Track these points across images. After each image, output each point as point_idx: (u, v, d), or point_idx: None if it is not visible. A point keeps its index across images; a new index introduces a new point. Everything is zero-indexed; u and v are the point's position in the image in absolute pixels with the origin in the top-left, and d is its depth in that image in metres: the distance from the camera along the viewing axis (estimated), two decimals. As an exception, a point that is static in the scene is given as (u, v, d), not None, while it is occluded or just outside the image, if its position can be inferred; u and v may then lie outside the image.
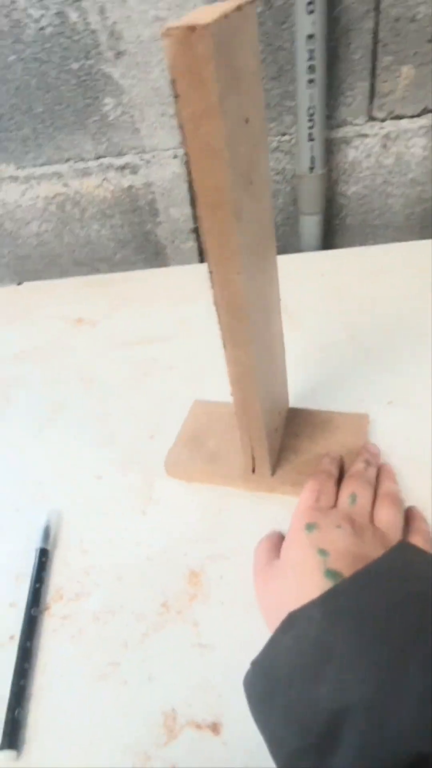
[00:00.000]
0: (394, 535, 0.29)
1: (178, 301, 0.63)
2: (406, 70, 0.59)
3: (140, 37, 0.59)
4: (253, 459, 0.37)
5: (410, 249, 0.65)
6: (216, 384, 0.47)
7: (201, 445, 0.41)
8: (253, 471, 0.37)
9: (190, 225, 0.73)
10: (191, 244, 0.75)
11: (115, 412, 0.48)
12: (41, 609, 0.33)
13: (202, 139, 0.22)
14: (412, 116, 0.62)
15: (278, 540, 0.32)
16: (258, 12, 0.56)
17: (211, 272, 0.29)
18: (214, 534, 0.36)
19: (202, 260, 0.77)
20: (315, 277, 0.62)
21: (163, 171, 0.68)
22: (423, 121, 0.62)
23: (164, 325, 0.59)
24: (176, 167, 0.68)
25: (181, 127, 0.23)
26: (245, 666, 0.25)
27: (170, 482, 0.40)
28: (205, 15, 0.21)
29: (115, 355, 0.56)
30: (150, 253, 0.77)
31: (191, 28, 0.20)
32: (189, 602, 0.32)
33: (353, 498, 0.32)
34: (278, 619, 0.24)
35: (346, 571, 0.26)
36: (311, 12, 0.52)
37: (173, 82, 0.22)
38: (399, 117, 0.62)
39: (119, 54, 0.60)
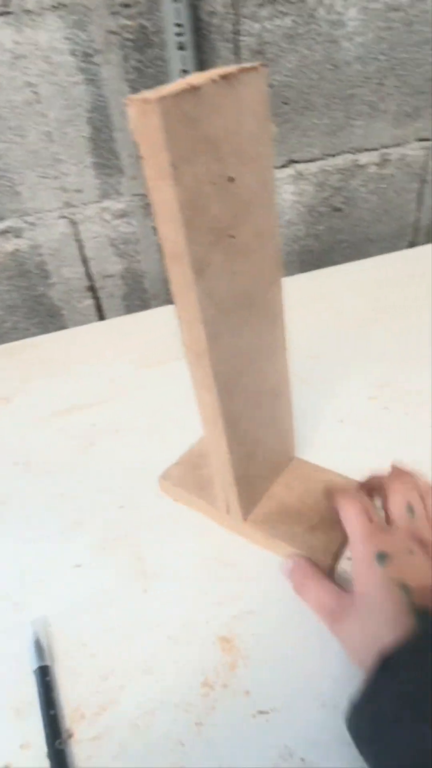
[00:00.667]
0: None
1: (96, 362, 0.60)
2: (269, 129, 0.66)
3: (12, 102, 0.57)
4: (227, 500, 0.36)
5: (295, 282, 0.72)
6: (172, 438, 0.46)
7: (196, 470, 0.41)
8: (228, 512, 0.37)
9: (85, 283, 0.71)
10: (88, 302, 0.73)
11: (69, 491, 0.44)
12: (64, 739, 0.28)
13: (160, 198, 0.24)
14: (280, 167, 0.69)
15: (313, 569, 0.32)
16: (131, 79, 0.59)
17: (178, 317, 0.29)
18: (229, 590, 0.34)
19: (102, 316, 0.75)
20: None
21: (50, 232, 0.66)
22: (289, 170, 0.70)
23: (91, 389, 0.56)
24: (63, 227, 0.66)
25: (146, 187, 0.24)
26: (315, 720, 0.24)
27: (162, 548, 0.38)
28: (173, 87, 0.22)
29: (46, 429, 0.51)
30: (44, 316, 0.72)
31: (145, 101, 0.21)
32: (231, 671, 0.30)
33: (410, 509, 0.30)
34: (366, 658, 0.24)
35: None
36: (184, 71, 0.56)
37: (137, 145, 0.23)
38: (268, 168, 0.69)
39: (-10, 118, 0.57)
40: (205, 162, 0.24)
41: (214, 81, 0.23)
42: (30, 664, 0.32)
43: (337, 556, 0.35)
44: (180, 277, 0.26)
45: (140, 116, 0.22)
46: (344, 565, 0.35)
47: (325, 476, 0.40)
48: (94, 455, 0.47)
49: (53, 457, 0.47)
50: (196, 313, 0.27)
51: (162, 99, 0.21)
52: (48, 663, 0.31)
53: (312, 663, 0.30)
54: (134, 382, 0.56)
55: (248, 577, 0.35)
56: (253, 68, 0.25)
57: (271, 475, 0.39)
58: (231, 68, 0.25)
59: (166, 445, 0.46)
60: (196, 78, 0.23)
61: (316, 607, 0.31)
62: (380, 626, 0.26)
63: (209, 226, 0.26)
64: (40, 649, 0.32)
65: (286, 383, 0.37)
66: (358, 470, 0.41)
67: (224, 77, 0.24)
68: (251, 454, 0.36)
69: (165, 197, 0.24)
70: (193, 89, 0.22)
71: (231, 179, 0.26)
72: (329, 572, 0.34)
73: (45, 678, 0.30)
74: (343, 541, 0.35)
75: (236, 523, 0.37)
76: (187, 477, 0.41)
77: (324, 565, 0.33)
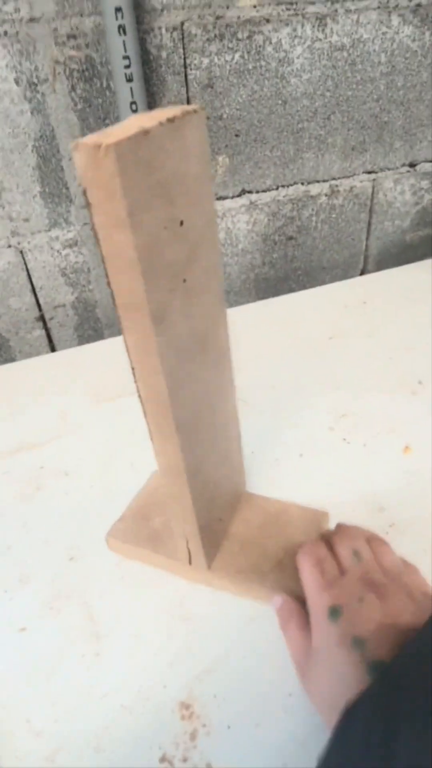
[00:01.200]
0: (408, 578, 0.29)
1: (46, 396, 0.57)
2: (222, 159, 0.66)
3: None
4: (189, 551, 0.34)
5: (252, 309, 0.72)
6: (125, 479, 0.44)
7: (146, 522, 0.38)
8: (190, 562, 0.35)
9: (35, 313, 0.68)
10: (38, 333, 0.70)
11: (14, 542, 0.40)
12: None
13: (114, 247, 0.23)
14: (233, 197, 0.69)
15: (298, 611, 0.30)
16: (79, 109, 0.58)
17: (132, 368, 0.27)
18: (189, 648, 0.32)
19: (53, 348, 0.72)
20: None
21: (-4, 261, 0.63)
22: (243, 200, 0.70)
23: (40, 425, 0.53)
24: (11, 256, 0.64)
25: (94, 234, 0.22)
26: None
27: (115, 605, 0.35)
28: (121, 130, 0.21)
29: (-10, 473, 0.47)
30: (-9, 348, 0.69)
31: (97, 146, 0.20)
32: (192, 742, 0.28)
33: (357, 554, 0.30)
34: (330, 710, 0.23)
35: (388, 654, 0.25)
36: (134, 111, 0.56)
37: (84, 191, 0.21)
38: (222, 198, 0.69)
39: None
40: (159, 207, 0.23)
41: (161, 124, 0.22)
42: (-35, 752, 0.28)
43: None
44: (137, 327, 0.25)
45: (91, 162, 0.20)
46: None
47: (279, 506, 0.39)
48: (42, 501, 0.44)
49: (-3, 505, 0.44)
50: (155, 364, 0.26)
51: (117, 144, 0.20)
52: (-14, 749, 0.28)
53: (277, 727, 0.28)
54: (86, 418, 0.53)
55: (208, 631, 0.33)
56: (194, 111, 0.24)
57: (228, 515, 0.38)
58: (173, 110, 0.24)
59: (118, 487, 0.44)
60: (141, 121, 0.22)
61: (290, 654, 0.30)
62: (340, 683, 0.25)
63: (165, 272, 0.25)
64: (-24, 732, 0.28)
65: (236, 419, 0.37)
66: (320, 505, 0.40)
67: (170, 120, 0.23)
68: (211, 499, 0.34)
69: (120, 247, 0.22)
70: (144, 132, 0.21)
71: (181, 222, 0.25)
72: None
73: (-19, 768, 0.27)
74: None
75: (200, 573, 0.35)
76: (137, 531, 0.38)
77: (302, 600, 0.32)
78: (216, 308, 0.30)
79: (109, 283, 0.24)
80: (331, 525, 0.37)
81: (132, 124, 0.22)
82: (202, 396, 0.30)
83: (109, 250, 0.23)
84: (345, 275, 0.83)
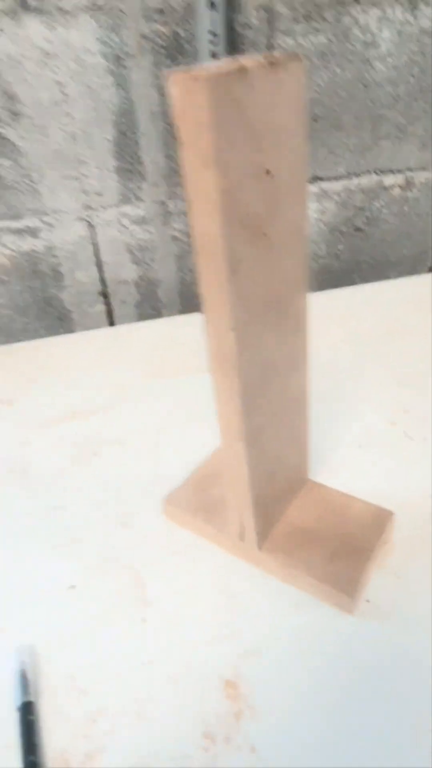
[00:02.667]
0: None
1: (103, 368, 0.58)
2: (296, 144, 0.65)
3: (39, 101, 0.56)
4: (242, 525, 0.33)
5: (313, 300, 0.70)
6: (179, 453, 0.44)
7: (204, 493, 0.38)
8: (241, 538, 0.34)
9: (98, 287, 0.69)
10: (100, 308, 0.71)
11: (67, 503, 0.41)
12: (45, 790, 0.25)
13: (198, 187, 0.22)
14: (332, 179, 0.68)
15: None
16: (161, 85, 0.58)
17: (205, 321, 0.27)
18: (235, 627, 0.31)
19: (112, 323, 0.73)
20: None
21: (66, 234, 0.64)
22: (314, 188, 0.68)
23: (96, 396, 0.53)
24: (81, 230, 0.65)
25: (183, 173, 0.22)
26: None
27: (164, 574, 0.35)
28: (219, 67, 0.21)
29: (46, 436, 0.48)
30: (53, 318, 0.70)
31: (194, 77, 0.20)
32: (236, 722, 0.27)
33: None
34: None
35: None
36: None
37: (177, 128, 0.21)
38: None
39: (15, 115, 0.56)
40: (247, 151, 0.22)
41: (260, 65, 0.21)
42: (12, 699, 0.28)
43: (361, 584, 0.31)
44: (212, 275, 0.24)
45: (185, 95, 0.20)
46: (370, 594, 0.32)
47: (342, 499, 0.37)
48: (96, 467, 0.44)
49: (52, 466, 0.45)
50: (227, 316, 0.25)
51: (211, 78, 0.19)
52: (32, 699, 0.28)
53: (327, 718, 0.27)
54: (142, 391, 0.53)
55: (258, 612, 0.32)
56: (296, 58, 0.24)
57: (286, 498, 0.36)
58: (275, 55, 0.23)
59: (172, 460, 0.44)
60: (242, 60, 0.22)
61: None
62: None
63: (245, 222, 0.24)
64: (24, 681, 0.29)
65: (306, 398, 0.35)
66: (377, 498, 0.38)
67: (271, 62, 0.22)
68: (270, 474, 0.33)
69: (204, 186, 0.22)
70: (242, 70, 0.21)
71: (268, 172, 0.24)
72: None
73: (28, 717, 0.27)
74: (367, 567, 0.32)
75: (250, 551, 0.34)
76: (194, 501, 0.38)
77: (348, 597, 0.30)
78: (296, 273, 0.29)
79: (191, 229, 0.24)
80: (396, 525, 0.36)
81: (232, 62, 0.21)
82: (272, 362, 0.29)
83: (194, 191, 0.22)
84: (412, 271, 0.79)
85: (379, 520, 0.35)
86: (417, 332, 0.60)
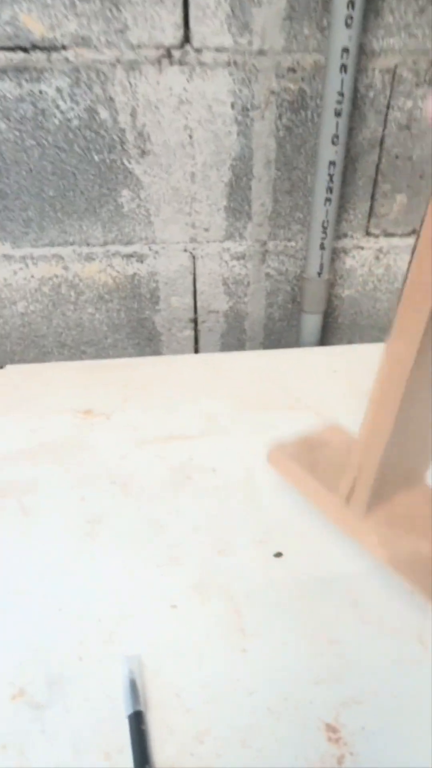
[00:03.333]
0: None
1: (193, 394, 0.60)
2: (400, 198, 0.67)
3: (167, 142, 0.60)
4: (354, 484, 0.33)
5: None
6: (272, 487, 0.45)
7: (313, 452, 0.38)
8: (348, 500, 0.33)
9: (190, 314, 0.73)
10: (188, 333, 0.75)
11: (168, 522, 0.43)
12: (157, 801, 0.27)
13: None
14: (402, 235, 0.70)
15: None
16: (280, 136, 0.61)
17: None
18: (335, 671, 0.32)
19: (197, 349, 0.76)
20: (327, 372, 0.64)
21: (170, 262, 0.68)
22: (411, 240, 0.70)
23: (189, 421, 0.56)
24: (184, 260, 0.68)
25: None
26: None
27: (261, 608, 0.36)
28: None
29: (145, 453, 0.51)
30: (143, 338, 0.74)
31: None
32: (339, 766, 0.28)
33: None
34: None
35: None
36: (335, 143, 0.58)
37: None
38: (391, 235, 0.69)
39: (144, 153, 0.61)
40: None
41: None
42: (123, 706, 0.30)
43: None
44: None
45: None
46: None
47: None
48: (191, 490, 0.46)
49: (151, 483, 0.47)
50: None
51: None
52: (142, 708, 0.30)
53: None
54: (232, 422, 0.55)
55: (357, 659, 0.33)
56: None
57: (404, 483, 0.36)
58: None
59: (261, 494, 0.45)
60: None
61: None
62: None
63: None
64: (135, 691, 0.31)
65: None
66: None
67: None
68: (404, 446, 0.32)
69: None
70: None
71: None
72: None
73: (140, 726, 0.29)
74: None
75: (354, 516, 0.33)
76: (301, 454, 0.37)
77: None
78: None
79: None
80: None
81: None
82: None
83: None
84: None
85: None
86: None
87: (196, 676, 0.32)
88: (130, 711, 0.30)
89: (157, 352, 0.75)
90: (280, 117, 0.60)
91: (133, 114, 0.59)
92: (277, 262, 0.70)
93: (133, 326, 0.73)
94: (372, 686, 0.31)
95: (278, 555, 0.40)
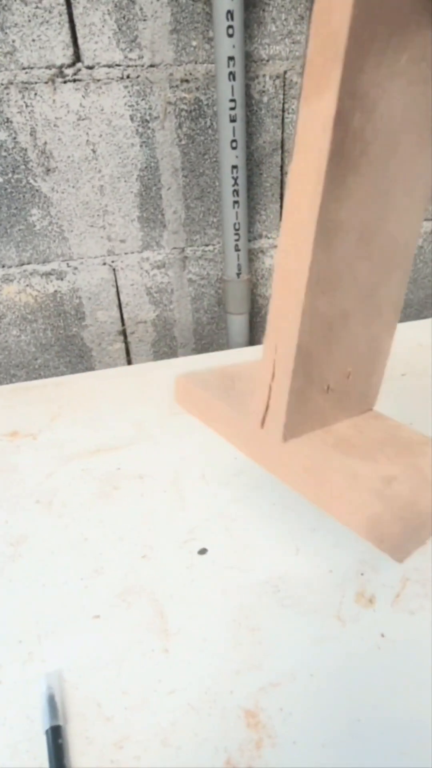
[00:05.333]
0: None
1: (124, 405, 0.60)
2: None
3: (71, 158, 0.61)
4: (268, 402, 0.27)
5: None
6: (198, 488, 0.45)
7: (221, 380, 0.32)
8: (263, 424, 0.27)
9: (118, 327, 0.73)
10: (119, 345, 0.75)
11: (91, 535, 0.43)
12: None
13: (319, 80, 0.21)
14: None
15: None
16: (183, 144, 0.63)
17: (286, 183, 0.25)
18: (255, 659, 0.32)
19: (129, 360, 0.76)
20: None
21: (90, 276, 0.69)
22: None
23: (117, 432, 0.55)
24: (104, 273, 0.69)
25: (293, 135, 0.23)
26: None
27: (184, 606, 0.36)
28: None
29: (70, 469, 0.50)
30: (74, 356, 0.74)
31: None
32: (257, 750, 0.28)
33: None
34: None
35: None
36: (234, 148, 0.60)
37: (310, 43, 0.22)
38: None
39: (49, 170, 0.61)
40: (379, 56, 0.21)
41: None
42: (41, 722, 0.29)
43: (428, 525, 0.25)
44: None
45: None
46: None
47: (415, 436, 0.30)
48: (118, 500, 0.46)
49: (76, 499, 0.46)
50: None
51: None
52: (60, 723, 0.29)
53: (344, 751, 0.28)
54: (161, 428, 0.55)
55: (276, 645, 0.33)
56: None
57: (335, 410, 0.29)
58: None
59: (190, 497, 0.45)
60: None
61: None
62: None
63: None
64: (53, 706, 0.30)
65: (394, 321, 0.28)
66: None
67: None
68: (326, 354, 0.26)
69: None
70: None
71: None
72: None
73: (57, 740, 0.28)
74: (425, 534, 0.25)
75: (270, 443, 0.27)
76: (210, 380, 0.31)
77: (411, 531, 0.24)
78: (413, 214, 0.26)
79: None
80: None
81: None
82: (380, 195, 0.25)
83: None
84: (418, 315, 0.82)
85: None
86: (424, 375, 0.62)
87: (117, 684, 0.32)
88: (47, 726, 0.29)
89: (90, 368, 0.75)
90: (180, 126, 0.62)
91: (33, 133, 0.59)
92: (198, 267, 0.71)
93: (61, 344, 0.72)
94: (290, 668, 0.32)
95: (202, 552, 0.40)
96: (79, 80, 0.57)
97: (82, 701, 0.31)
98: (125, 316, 0.72)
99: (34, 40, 0.54)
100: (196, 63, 0.59)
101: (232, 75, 0.56)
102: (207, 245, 0.69)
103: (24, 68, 0.55)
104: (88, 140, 0.60)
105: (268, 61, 0.61)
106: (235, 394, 0.29)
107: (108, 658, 0.33)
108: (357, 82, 0.22)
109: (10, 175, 0.60)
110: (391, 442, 0.28)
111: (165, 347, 0.76)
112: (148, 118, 0.61)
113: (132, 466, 0.50)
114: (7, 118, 0.57)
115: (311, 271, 0.23)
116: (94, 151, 0.61)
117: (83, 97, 0.58)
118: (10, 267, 0.65)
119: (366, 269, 0.26)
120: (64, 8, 0.53)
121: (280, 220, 0.70)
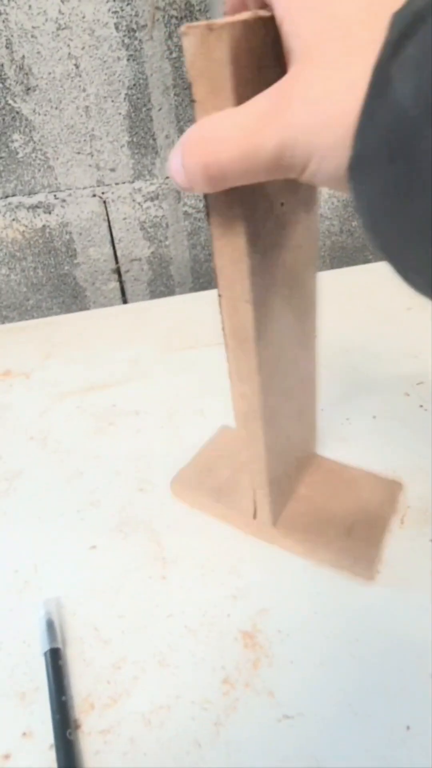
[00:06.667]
0: None
1: (118, 344, 0.58)
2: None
3: (52, 74, 0.56)
4: (255, 504, 0.34)
5: (325, 278, 0.70)
6: (193, 424, 0.44)
7: (213, 474, 0.38)
8: (254, 516, 0.34)
9: (112, 265, 0.70)
10: (113, 285, 0.72)
11: (87, 469, 0.42)
12: (74, 729, 0.26)
13: None
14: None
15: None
16: (174, 57, 0.57)
17: (219, 296, 0.27)
18: (254, 584, 0.32)
19: (125, 300, 0.73)
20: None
21: (80, 210, 0.65)
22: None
23: (112, 369, 0.54)
24: (94, 206, 0.65)
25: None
26: (343, 728, 0.21)
27: (182, 536, 0.36)
28: (238, 19, 0.20)
29: (65, 406, 0.49)
30: (67, 296, 0.71)
31: (209, 27, 0.18)
32: (254, 669, 0.28)
33: None
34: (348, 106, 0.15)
35: None
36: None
37: (191, 85, 0.20)
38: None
39: (29, 89, 0.56)
40: None
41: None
42: (40, 646, 0.30)
43: (379, 557, 0.32)
44: (229, 249, 0.24)
45: (201, 48, 0.19)
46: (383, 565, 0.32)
47: (353, 473, 0.37)
48: (114, 436, 0.45)
49: (71, 435, 0.46)
50: (245, 291, 0.25)
51: (232, 27, 0.18)
52: (59, 646, 0.29)
53: (341, 668, 0.28)
54: (156, 365, 0.54)
55: (275, 570, 0.33)
56: None
57: (297, 475, 0.36)
58: None
59: (187, 432, 0.44)
60: (261, 12, 0.20)
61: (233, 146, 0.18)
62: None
63: (264, 189, 0.24)
64: (52, 630, 0.30)
65: (315, 373, 0.35)
66: (392, 468, 0.39)
67: None
68: (283, 452, 0.33)
69: None
70: (260, 20, 0.19)
71: None
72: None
73: (56, 661, 0.28)
74: (384, 541, 0.32)
75: (264, 528, 0.34)
76: (201, 480, 0.37)
77: (367, 569, 0.31)
78: (310, 246, 0.29)
79: (206, 198, 0.23)
80: (406, 496, 0.36)
81: (252, 14, 0.20)
82: (286, 339, 0.29)
83: None
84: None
85: (391, 492, 0.35)
86: (430, 309, 0.60)
87: (115, 610, 0.32)
88: (46, 649, 0.29)
89: (84, 309, 0.73)
90: (170, 36, 0.56)
91: (9, 45, 0.53)
92: (194, 199, 0.67)
93: (53, 284, 0.70)
94: (289, 591, 0.31)
95: (200, 484, 0.39)
96: (57, -19, 0.51)
97: (80, 626, 0.31)
98: (119, 253, 0.69)
99: None
100: (186, -42, 0.53)
101: (226, -30, 0.50)
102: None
103: (-6, -33, 0.50)
104: (69, 53, 0.55)
105: None
106: (224, 490, 0.36)
107: (105, 585, 0.33)
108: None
109: (-13, 94, 0.55)
110: (339, 488, 0.36)
111: (162, 286, 0.73)
112: (134, 26, 0.55)
113: (127, 402, 0.49)
114: (-20, 28, 0.52)
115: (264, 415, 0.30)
116: (77, 66, 0.56)
117: (62, 2, 0.52)
118: (-6, 200, 0.62)
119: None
120: None
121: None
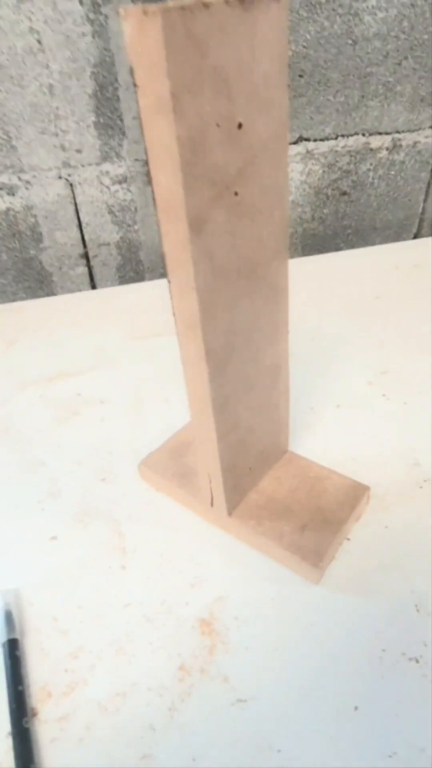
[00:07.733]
0: None
1: (85, 330, 0.58)
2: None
3: (13, 49, 0.54)
4: (211, 492, 0.34)
5: (296, 265, 0.70)
6: (159, 414, 0.44)
7: (179, 458, 0.38)
8: (212, 504, 0.34)
9: (79, 250, 0.68)
10: (81, 270, 0.70)
11: (49, 459, 0.42)
12: (30, 718, 0.26)
13: (156, 137, 0.21)
14: (290, 143, 0.67)
15: None
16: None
17: (168, 282, 0.26)
18: (211, 572, 0.33)
19: (94, 286, 0.72)
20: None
21: (45, 192, 0.63)
22: (299, 148, 0.67)
23: (78, 357, 0.53)
24: (60, 188, 0.63)
25: (139, 120, 0.21)
26: (294, 711, 0.22)
27: (142, 526, 0.36)
28: (178, 2, 0.19)
29: (28, 395, 0.48)
30: (33, 281, 0.69)
31: (145, 12, 0.18)
32: (210, 656, 0.29)
33: None
34: None
35: None
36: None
37: (132, 69, 0.20)
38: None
39: (-12, 63, 0.54)
40: (211, 97, 0.21)
41: (227, 1, 0.20)
42: (-4, 638, 0.29)
43: (328, 556, 0.32)
44: (174, 234, 0.24)
45: (138, 32, 0.18)
46: (336, 569, 0.33)
47: (319, 472, 0.37)
48: (77, 425, 0.45)
49: (34, 425, 0.45)
50: (189, 277, 0.24)
51: (167, 12, 0.18)
52: (17, 636, 0.29)
53: (293, 653, 0.29)
54: (123, 353, 0.53)
55: (233, 559, 0.33)
56: None
57: (261, 468, 0.36)
58: None
59: (152, 420, 0.44)
60: None
61: None
62: None
63: (211, 177, 0.23)
64: (10, 621, 0.30)
65: (285, 367, 0.34)
66: (353, 457, 0.39)
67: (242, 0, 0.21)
68: (241, 443, 0.33)
69: (162, 135, 0.21)
70: (203, 5, 0.19)
71: (239, 125, 0.23)
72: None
73: (14, 652, 0.28)
74: (335, 542, 0.33)
75: (220, 517, 0.35)
76: (168, 465, 0.38)
77: (314, 568, 0.31)
78: (273, 238, 0.28)
79: (150, 181, 0.23)
80: (376, 500, 0.37)
81: None
82: (242, 328, 0.29)
83: (151, 140, 0.21)
84: (397, 237, 0.79)
85: (355, 495, 0.35)
86: (400, 297, 0.60)
87: (74, 600, 0.32)
88: (4, 639, 0.29)
89: (51, 294, 0.71)
90: (137, 12, 0.54)
91: (-35, 15, 0.51)
92: (163, 183, 0.66)
93: (18, 268, 0.68)
94: (246, 578, 0.32)
95: (163, 474, 0.40)
96: None
97: (39, 617, 0.31)
98: (86, 237, 0.67)
99: None
100: None
101: None
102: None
103: None
104: (31, 27, 0.53)
105: None
106: (187, 476, 0.37)
107: (65, 575, 0.33)
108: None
109: None
110: (303, 485, 0.36)
111: (131, 272, 0.72)
112: (99, 1, 0.53)
113: (92, 391, 0.48)
114: None
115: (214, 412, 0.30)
116: (39, 42, 0.54)
117: (22, -29, 0.50)
118: None
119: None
120: None
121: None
